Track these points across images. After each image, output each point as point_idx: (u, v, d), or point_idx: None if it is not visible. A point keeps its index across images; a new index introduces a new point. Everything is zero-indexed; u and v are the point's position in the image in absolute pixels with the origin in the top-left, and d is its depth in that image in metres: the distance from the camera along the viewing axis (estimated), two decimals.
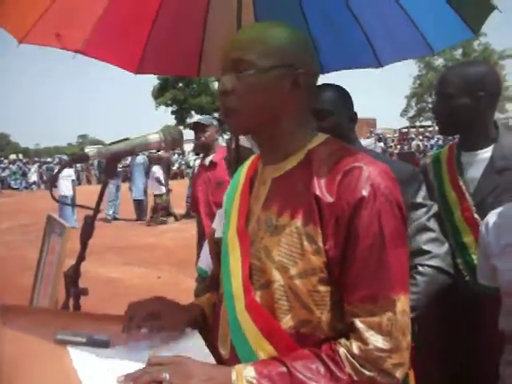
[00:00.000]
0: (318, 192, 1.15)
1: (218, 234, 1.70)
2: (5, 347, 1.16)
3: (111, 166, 1.50)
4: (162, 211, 13.85)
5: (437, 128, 2.30)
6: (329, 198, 1.13)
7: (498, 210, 1.81)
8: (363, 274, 1.10)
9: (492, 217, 1.81)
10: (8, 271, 7.83)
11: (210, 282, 2.02)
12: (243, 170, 1.45)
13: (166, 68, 3.01)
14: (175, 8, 2.57)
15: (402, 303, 1.11)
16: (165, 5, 2.56)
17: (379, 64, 2.71)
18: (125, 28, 2.54)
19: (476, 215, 2.09)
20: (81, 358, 1.21)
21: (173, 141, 1.53)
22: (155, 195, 13.82)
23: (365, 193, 1.10)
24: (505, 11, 2.27)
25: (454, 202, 2.16)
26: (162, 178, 13.67)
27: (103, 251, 9.56)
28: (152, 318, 1.39)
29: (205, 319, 1.47)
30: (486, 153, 2.14)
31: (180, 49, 2.74)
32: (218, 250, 1.68)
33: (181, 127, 43.90)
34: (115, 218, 14.74)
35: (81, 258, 1.64)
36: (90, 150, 1.45)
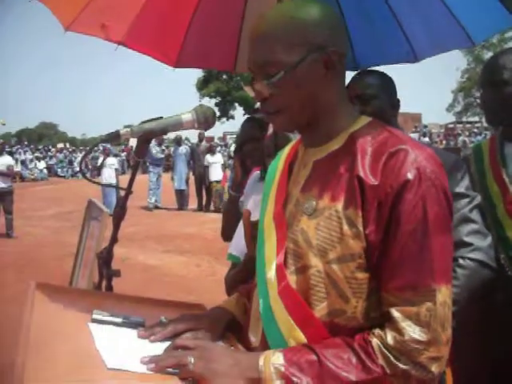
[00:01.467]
0: (361, 174, 1.10)
1: (254, 217, 1.68)
2: (35, 323, 1.18)
3: (142, 145, 1.49)
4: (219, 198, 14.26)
5: (485, 124, 2.21)
6: (373, 180, 1.08)
7: None
8: (403, 260, 1.05)
9: None
10: (52, 256, 8.05)
11: (244, 268, 2.00)
12: (282, 156, 1.41)
13: (204, 62, 3.01)
14: (214, 2, 2.57)
15: (444, 294, 1.05)
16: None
17: (415, 58, 2.64)
18: (164, 21, 2.55)
19: None
20: (103, 338, 1.21)
21: (205, 120, 1.52)
22: (215, 181, 14.28)
23: (410, 176, 1.05)
24: None
25: (496, 194, 2.08)
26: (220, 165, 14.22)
27: (144, 239, 9.73)
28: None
29: (237, 325, 1.39)
30: None
31: (218, 43, 2.74)
32: (255, 233, 1.67)
33: (224, 119, 44.18)
34: (157, 207, 14.93)
35: (113, 239, 1.65)
36: (124, 129, 1.45)
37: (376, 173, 1.09)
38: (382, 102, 2.04)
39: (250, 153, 2.72)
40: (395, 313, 1.05)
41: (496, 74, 2.06)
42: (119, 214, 1.59)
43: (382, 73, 2.13)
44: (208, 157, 14.57)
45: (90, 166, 28.59)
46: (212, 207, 14.68)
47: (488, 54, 44.16)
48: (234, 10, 2.68)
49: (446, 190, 1.10)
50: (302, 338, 1.11)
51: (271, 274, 1.19)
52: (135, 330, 1.28)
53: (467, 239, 1.91)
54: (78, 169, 32.95)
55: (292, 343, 1.12)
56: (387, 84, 2.12)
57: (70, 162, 34.89)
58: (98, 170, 14.17)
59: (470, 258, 1.90)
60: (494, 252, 1.99)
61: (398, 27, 2.54)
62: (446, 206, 1.09)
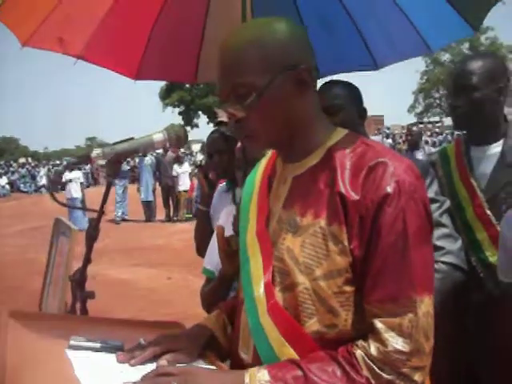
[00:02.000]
0: (342, 190, 1.10)
1: (226, 232, 1.67)
2: (11, 352, 1.14)
3: (115, 166, 1.48)
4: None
5: (445, 124, 2.25)
6: (354, 196, 1.09)
7: None
8: (384, 272, 1.06)
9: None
10: (19, 274, 7.87)
11: (219, 284, 1.98)
12: (259, 169, 1.40)
13: (165, 74, 3.02)
14: (174, 14, 2.57)
15: (426, 305, 1.06)
16: (164, 11, 2.56)
17: (376, 66, 2.68)
18: (123, 34, 2.54)
19: (488, 211, 2.05)
20: (82, 365, 1.18)
21: (177, 139, 1.51)
22: (184, 191, 14.33)
23: (389, 189, 1.06)
24: (510, 4, 2.22)
25: (465, 198, 2.12)
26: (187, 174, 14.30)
27: (112, 253, 9.59)
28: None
29: (216, 343, 1.38)
30: (496, 147, 2.10)
31: (179, 55, 2.75)
32: (228, 249, 1.65)
33: (188, 128, 44.10)
34: (124, 220, 14.77)
35: (87, 260, 1.62)
36: (94, 150, 1.43)
37: (356, 188, 1.09)
38: (349, 112, 2.06)
39: (216, 165, 2.73)
40: (378, 324, 1.05)
41: (465, 79, 2.09)
42: (92, 234, 1.57)
43: (349, 83, 2.15)
44: (176, 167, 14.54)
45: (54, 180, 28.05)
46: (180, 217, 14.63)
47: (445, 56, 45.33)
48: (194, 22, 2.69)
49: (426, 201, 1.12)
50: (293, 354, 1.11)
51: (259, 291, 1.18)
52: (114, 354, 1.26)
53: (439, 243, 1.94)
54: (41, 183, 32.40)
55: (283, 359, 1.11)
56: (354, 94, 2.14)
57: (33, 177, 34.31)
58: (63, 184, 13.95)
59: (442, 262, 1.94)
60: (465, 255, 2.03)
61: (358, 35, 2.59)
62: (425, 218, 1.10)
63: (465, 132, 2.25)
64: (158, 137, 1.50)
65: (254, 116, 1.16)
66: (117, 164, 1.48)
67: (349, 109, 2.07)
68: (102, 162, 1.51)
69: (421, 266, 1.07)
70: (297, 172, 1.24)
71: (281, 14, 2.35)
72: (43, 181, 33.02)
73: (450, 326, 2.19)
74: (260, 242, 1.24)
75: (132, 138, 1.49)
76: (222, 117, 1.21)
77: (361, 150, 1.16)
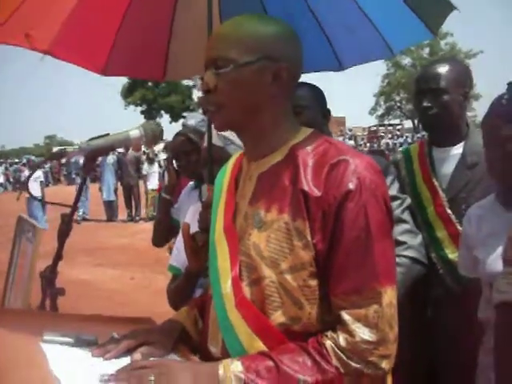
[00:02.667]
0: (305, 187, 1.15)
1: (192, 229, 1.69)
2: None
3: (90, 162, 1.48)
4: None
5: (405, 126, 2.32)
6: (316, 192, 1.13)
7: (479, 203, 1.86)
8: (348, 265, 1.11)
9: (474, 210, 1.86)
10: None
11: (185, 281, 2.00)
12: (227, 169, 1.44)
13: (132, 71, 2.99)
14: (142, 11, 2.56)
15: (389, 295, 1.11)
16: (132, 8, 2.55)
17: (340, 67, 2.74)
18: (91, 30, 2.52)
19: (449, 210, 2.13)
20: (57, 360, 1.19)
21: (153, 136, 1.53)
22: (152, 190, 14.16)
23: (351, 186, 1.11)
24: (468, 11, 2.30)
25: (426, 197, 2.20)
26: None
27: (73, 252, 9.39)
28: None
29: (188, 337, 1.41)
30: (457, 149, 2.18)
31: (146, 52, 2.73)
32: (194, 245, 1.68)
33: None
34: (85, 219, 14.56)
35: (58, 257, 1.62)
36: (70, 146, 1.44)
37: (319, 184, 1.14)
38: (313, 112, 2.13)
39: (183, 167, 2.77)
40: (345, 316, 1.10)
41: (434, 82, 2.17)
42: (64, 230, 1.57)
43: (313, 85, 2.23)
44: (146, 166, 14.57)
45: (11, 179, 27.46)
46: (145, 215, 14.53)
47: (406, 60, 46.08)
48: (162, 20, 2.68)
49: (386, 197, 1.17)
50: (262, 347, 1.14)
51: (227, 286, 1.21)
52: (88, 349, 1.27)
53: (400, 238, 2.03)
54: None
55: (252, 352, 1.15)
56: (318, 95, 2.23)
57: None
58: (25, 183, 13.65)
59: (403, 256, 2.02)
60: (426, 251, 2.11)
61: (323, 35, 2.63)
62: (386, 213, 1.16)
63: (428, 133, 2.33)
64: (135, 133, 1.52)
65: (223, 88, 1.21)
66: (92, 160, 1.49)
67: (313, 109, 2.13)
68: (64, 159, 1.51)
69: (383, 258, 1.12)
70: (261, 169, 1.27)
71: (248, 9, 2.39)
72: (0, 179, 32.25)
73: (412, 318, 2.27)
74: (227, 238, 1.27)
75: (108, 134, 1.50)
76: (198, 89, 1.24)
77: (323, 148, 1.21)
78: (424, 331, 2.20)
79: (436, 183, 2.19)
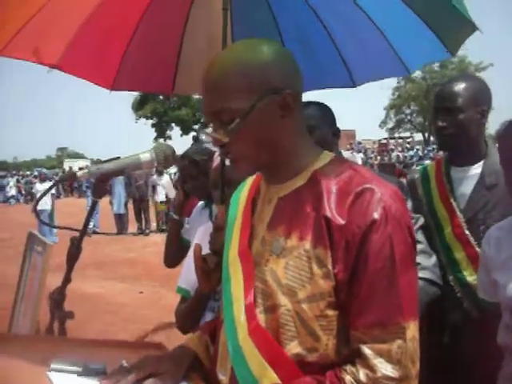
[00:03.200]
0: (328, 213, 1.11)
1: (204, 251, 1.66)
2: None
3: (100, 186, 1.45)
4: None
5: (416, 139, 2.27)
6: (340, 221, 1.09)
7: (499, 224, 1.80)
8: (372, 298, 1.06)
9: (493, 231, 1.80)
10: None
11: (194, 304, 1.96)
12: (244, 189, 1.40)
13: (141, 85, 3.01)
14: (152, 26, 2.56)
15: (412, 330, 1.07)
16: (142, 23, 2.55)
17: (353, 84, 2.72)
18: (100, 45, 2.52)
19: (467, 231, 2.08)
20: None
21: (165, 159, 1.49)
22: (161, 202, 14.26)
23: (376, 216, 1.07)
24: (479, 24, 2.25)
25: (444, 218, 2.14)
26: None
27: (83, 266, 9.35)
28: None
29: (200, 365, 1.38)
30: (476, 169, 2.13)
31: (155, 67, 2.74)
32: (205, 267, 1.64)
33: (161, 140, 43.92)
34: (95, 232, 14.56)
35: (67, 280, 1.59)
36: (80, 170, 1.41)
37: (343, 213, 1.10)
38: (323, 131, 2.10)
39: (192, 191, 2.74)
40: (366, 350, 1.05)
41: (451, 101, 2.12)
42: (74, 254, 1.53)
43: (322, 104, 2.21)
44: (155, 178, 14.57)
45: (23, 192, 27.63)
46: (154, 228, 14.52)
47: (416, 73, 46.00)
48: (172, 34, 2.68)
49: (410, 226, 1.13)
50: (274, 378, 1.10)
51: (240, 313, 1.17)
52: (97, 379, 1.23)
53: None
54: (10, 194, 31.82)
55: (264, 382, 1.10)
56: (327, 114, 2.19)
57: (1, 188, 33.63)
58: (33, 196, 13.72)
59: (419, 278, 1.95)
60: (443, 274, 2.05)
61: (337, 53, 2.61)
62: (410, 243, 1.12)
63: (446, 152, 2.28)
64: (146, 157, 1.48)
65: (237, 141, 1.17)
66: (102, 184, 1.45)
67: (322, 129, 2.10)
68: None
69: (408, 291, 1.08)
70: (282, 193, 1.23)
71: (261, 29, 2.37)
72: (12, 191, 32.46)
73: (428, 344, 2.20)
74: (242, 263, 1.23)
75: (118, 158, 1.47)
76: (207, 139, 1.22)
77: (347, 174, 1.16)
78: (441, 357, 2.13)
79: (454, 203, 2.13)
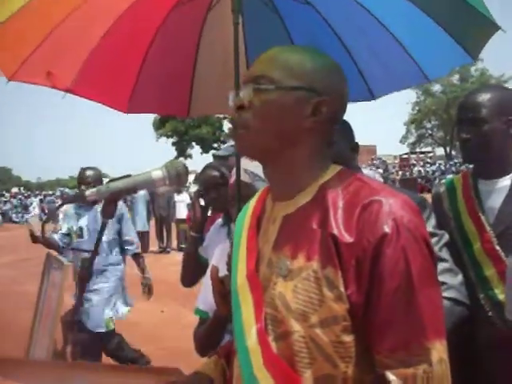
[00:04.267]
0: (335, 231, 1.03)
1: (221, 271, 1.59)
2: None
3: (110, 205, 1.39)
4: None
5: (437, 153, 2.19)
6: (347, 238, 1.02)
7: None
8: (391, 320, 0.98)
9: None
10: (9, 307, 7.68)
11: (213, 326, 1.89)
12: (249, 209, 1.34)
13: (156, 108, 3.00)
14: (165, 48, 2.56)
15: (439, 351, 0.98)
16: (155, 45, 2.54)
17: (372, 97, 2.66)
18: (113, 68, 2.52)
19: (497, 247, 1.97)
20: None
21: (177, 177, 1.43)
22: (181, 220, 14.12)
23: (387, 229, 0.99)
24: (502, 35, 2.18)
25: (472, 233, 2.05)
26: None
27: None
28: None
29: None
30: (505, 181, 2.03)
31: (170, 88, 2.74)
32: (223, 289, 1.57)
33: (181, 158, 44.33)
34: None
35: (79, 302, 1.53)
36: (89, 189, 1.36)
37: (350, 229, 1.02)
38: (341, 146, 2.01)
39: (212, 201, 2.69)
40: (391, 376, 0.98)
41: (474, 111, 2.02)
42: (85, 275, 1.47)
43: None
44: (174, 195, 14.50)
45: (46, 211, 28.00)
46: (175, 246, 14.49)
47: (436, 87, 45.92)
48: (185, 56, 2.68)
49: (426, 237, 1.05)
50: None
51: (252, 341, 1.10)
52: None
53: (440, 278, 1.86)
54: (32, 214, 32.20)
55: None
56: (345, 128, 2.11)
57: (25, 207, 34.12)
58: (54, 215, 13.82)
59: (444, 297, 1.86)
60: (473, 292, 1.96)
61: (354, 66, 2.56)
62: (428, 255, 1.04)
63: (472, 165, 2.19)
64: (157, 174, 1.43)
65: (258, 106, 1.13)
66: (112, 204, 1.40)
67: (340, 143, 2.01)
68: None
69: (429, 308, 1.00)
70: (287, 211, 1.17)
71: (274, 43, 2.34)
72: (36, 211, 32.86)
73: (457, 367, 2.10)
74: (251, 287, 1.16)
75: (129, 175, 1.42)
76: (231, 100, 1.16)
77: (354, 187, 1.10)
78: (472, 379, 2.03)
79: (482, 218, 2.03)
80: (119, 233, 4.63)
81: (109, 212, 1.40)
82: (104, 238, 4.02)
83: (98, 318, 4.32)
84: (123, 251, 4.77)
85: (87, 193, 1.37)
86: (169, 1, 2.43)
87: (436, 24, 2.22)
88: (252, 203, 1.35)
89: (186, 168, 1.48)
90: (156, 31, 2.49)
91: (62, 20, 2.21)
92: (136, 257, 4.87)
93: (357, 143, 2.13)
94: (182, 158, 44.04)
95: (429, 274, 1.02)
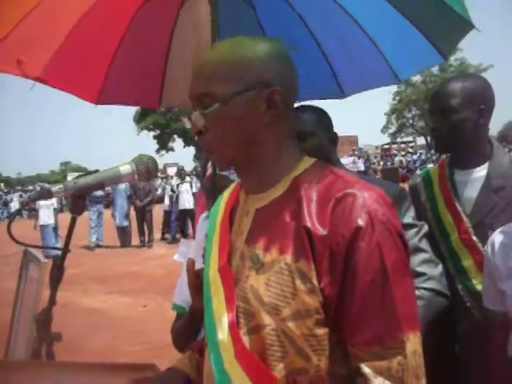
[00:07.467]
0: (308, 224, 1.02)
1: (197, 266, 1.57)
2: None
3: (78, 202, 1.36)
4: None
5: (418, 143, 2.19)
6: (321, 230, 1.00)
7: (504, 229, 1.71)
8: (366, 313, 0.98)
9: (498, 237, 1.71)
10: None
11: (189, 321, 1.87)
12: (222, 201, 1.32)
13: (127, 99, 2.96)
14: (138, 39, 2.53)
15: (413, 343, 0.98)
16: (127, 36, 2.51)
17: (342, 94, 2.66)
18: (85, 58, 2.48)
19: (474, 237, 1.98)
20: None
21: (147, 171, 1.41)
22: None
23: (361, 222, 0.98)
24: (476, 24, 2.17)
25: (449, 224, 2.05)
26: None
27: (86, 281, 9.37)
28: None
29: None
30: (481, 171, 2.03)
31: (141, 80, 2.71)
32: (198, 283, 1.55)
33: (163, 151, 44.00)
34: (98, 246, 14.48)
35: (52, 301, 1.50)
36: (55, 185, 1.33)
37: (324, 221, 1.01)
38: (319, 138, 1.98)
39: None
40: (365, 369, 0.97)
41: (445, 101, 2.02)
42: (57, 274, 1.44)
43: (318, 108, 2.07)
44: (175, 186, 14.86)
45: (27, 207, 27.61)
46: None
47: (416, 77, 46.05)
48: (158, 48, 2.66)
49: (401, 231, 1.04)
50: None
51: (223, 335, 1.08)
52: None
53: (419, 269, 1.88)
54: (13, 210, 31.84)
55: None
56: (323, 119, 2.06)
57: (5, 203, 33.75)
58: (36, 210, 13.65)
59: (424, 288, 1.87)
60: (451, 283, 1.97)
61: (325, 63, 2.56)
62: (402, 249, 1.03)
63: (448, 155, 2.19)
64: (126, 169, 1.40)
65: (213, 128, 1.10)
66: (80, 199, 1.37)
67: (319, 134, 1.99)
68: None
69: (403, 302, 0.99)
70: (260, 204, 1.15)
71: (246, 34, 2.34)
72: (16, 207, 32.49)
73: (436, 356, 2.11)
74: (222, 281, 1.15)
75: (97, 171, 1.39)
76: (187, 124, 1.13)
77: (328, 180, 1.08)
78: (450, 370, 2.04)
79: (459, 208, 2.03)
80: None
81: (77, 208, 1.37)
82: None
83: None
84: None
85: (54, 189, 1.34)
86: None
87: (411, 24, 2.23)
88: (226, 195, 1.33)
89: (155, 162, 1.45)
90: (129, 23, 2.46)
91: (33, 8, 2.17)
92: None
93: (336, 134, 2.09)
94: (163, 151, 43.88)
95: (402, 267, 1.02)
